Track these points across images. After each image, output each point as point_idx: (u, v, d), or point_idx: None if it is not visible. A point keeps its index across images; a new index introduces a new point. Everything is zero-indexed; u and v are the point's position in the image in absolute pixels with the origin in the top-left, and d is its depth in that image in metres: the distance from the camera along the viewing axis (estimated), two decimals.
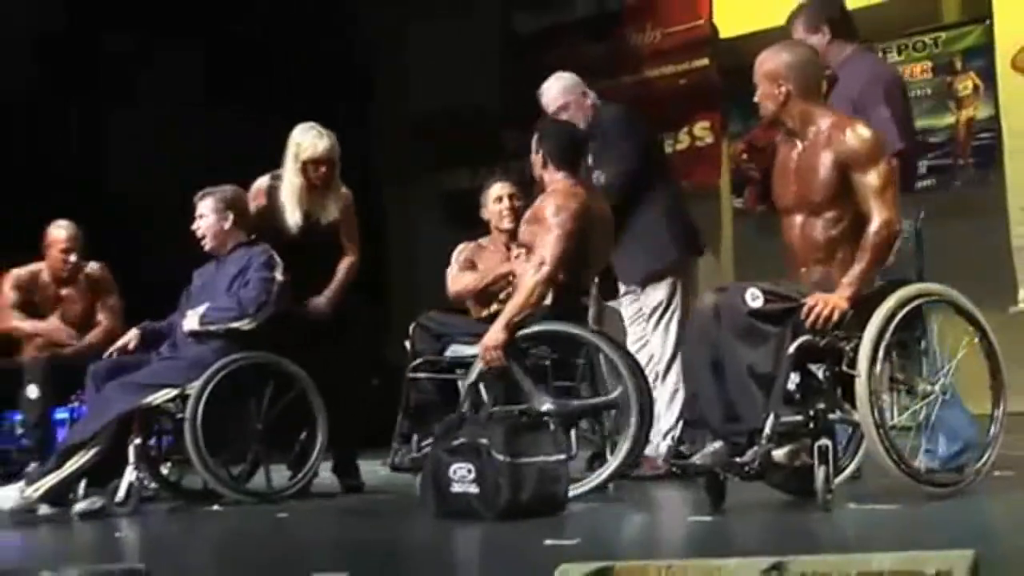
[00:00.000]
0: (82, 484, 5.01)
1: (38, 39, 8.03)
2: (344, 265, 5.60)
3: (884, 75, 4.61)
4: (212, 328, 5.18)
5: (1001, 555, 2.70)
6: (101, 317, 5.86)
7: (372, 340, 5.74)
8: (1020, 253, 6.93)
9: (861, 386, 3.73)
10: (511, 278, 4.95)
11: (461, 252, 5.42)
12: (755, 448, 3.74)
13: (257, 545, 4.28)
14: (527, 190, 5.22)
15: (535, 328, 4.60)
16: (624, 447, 4.46)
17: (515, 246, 4.92)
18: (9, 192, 7.52)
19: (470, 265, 5.33)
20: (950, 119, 7.45)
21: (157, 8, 8.34)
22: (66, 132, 8.01)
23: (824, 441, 3.73)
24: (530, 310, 4.56)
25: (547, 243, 4.57)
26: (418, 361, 4.73)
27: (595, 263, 4.87)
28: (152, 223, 7.22)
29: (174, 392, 5.07)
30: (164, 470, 5.39)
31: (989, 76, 7.20)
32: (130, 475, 5.01)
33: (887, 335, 3.78)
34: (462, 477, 4.08)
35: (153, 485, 5.33)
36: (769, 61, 4.02)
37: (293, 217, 5.46)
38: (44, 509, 5.05)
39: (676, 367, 5.11)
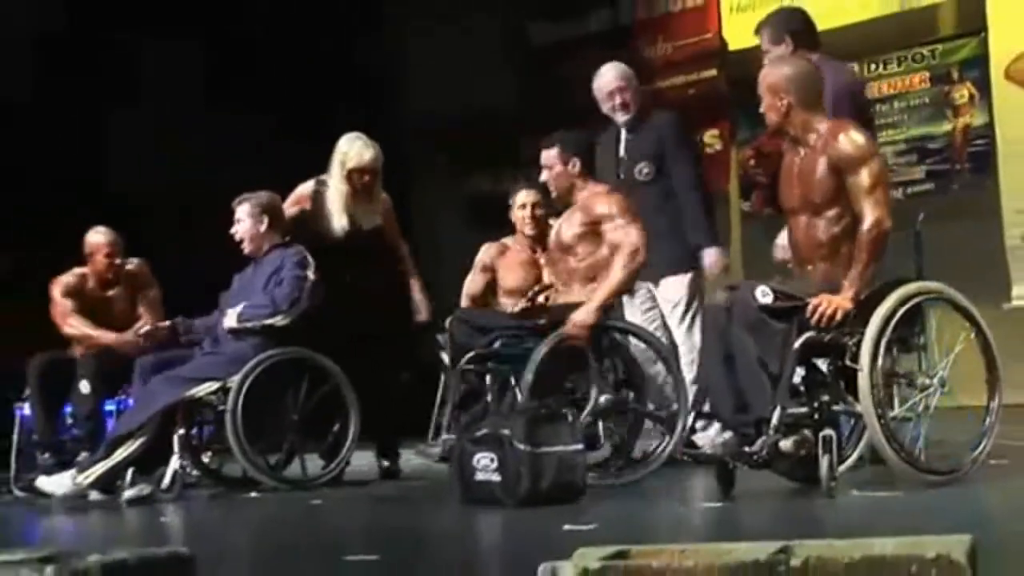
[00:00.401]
0: (129, 472, 5.04)
1: (38, 39, 7.70)
2: (407, 267, 5.65)
3: (843, 81, 4.65)
4: (249, 325, 5.20)
5: (997, 540, 2.69)
6: (143, 311, 5.88)
7: (407, 337, 5.71)
8: (1014, 253, 6.89)
9: (863, 379, 3.73)
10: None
11: (482, 254, 5.42)
12: (763, 438, 3.75)
13: (293, 530, 4.28)
14: (548, 198, 5.22)
15: (619, 323, 4.62)
16: (678, 427, 4.48)
17: (551, 249, 4.88)
18: (9, 192, 7.32)
19: (484, 268, 5.34)
20: (947, 127, 7.42)
21: (158, 8, 8.01)
22: (66, 132, 7.63)
23: (828, 431, 3.73)
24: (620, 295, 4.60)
25: (632, 233, 4.57)
26: (470, 355, 4.60)
27: None
28: (152, 223, 7.06)
29: (216, 385, 5.10)
30: (205, 459, 5.40)
31: (984, 86, 7.17)
32: (175, 464, 5.05)
33: (888, 331, 3.78)
34: (485, 466, 4.07)
35: (195, 473, 5.35)
36: (772, 75, 4.04)
37: (340, 222, 5.46)
38: (94, 495, 5.08)
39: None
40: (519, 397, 4.36)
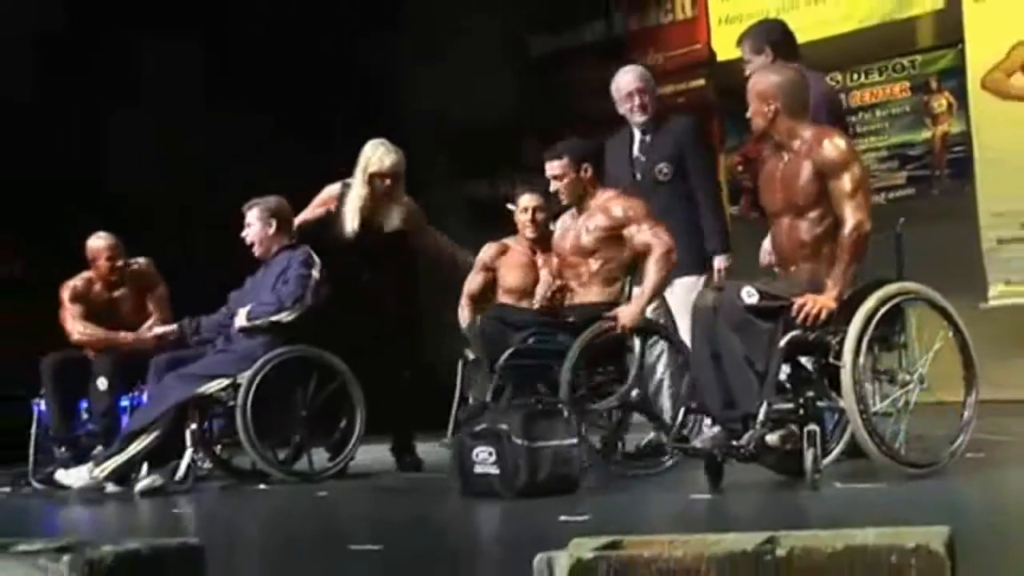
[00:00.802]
0: (145, 466, 5.04)
1: (38, 39, 7.42)
2: (443, 255, 5.64)
3: (820, 90, 4.66)
4: (258, 322, 5.20)
5: (974, 530, 2.69)
6: (152, 308, 5.88)
7: (412, 337, 5.69)
8: (989, 255, 6.89)
9: (846, 376, 3.73)
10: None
11: (483, 253, 5.41)
12: (750, 433, 3.75)
13: (300, 521, 4.28)
14: (550, 202, 5.20)
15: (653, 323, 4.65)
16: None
17: (565, 252, 4.84)
18: (9, 192, 7.23)
19: (484, 268, 5.33)
20: (927, 134, 7.41)
21: (158, 8, 7.79)
22: (65, 132, 7.45)
23: (812, 426, 3.73)
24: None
25: (662, 235, 4.54)
26: (510, 350, 4.49)
27: None
28: (152, 224, 6.96)
29: (226, 382, 5.10)
30: (216, 450, 5.40)
31: (961, 95, 7.17)
32: (188, 457, 5.05)
33: (870, 330, 3.78)
34: (484, 459, 4.07)
35: (207, 466, 5.36)
36: (761, 82, 4.05)
37: (352, 224, 5.45)
38: (110, 487, 5.08)
39: None
40: (562, 389, 4.33)
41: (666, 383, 4.90)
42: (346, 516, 4.42)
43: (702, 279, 5.17)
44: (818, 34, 7.00)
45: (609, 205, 4.66)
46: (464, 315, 5.25)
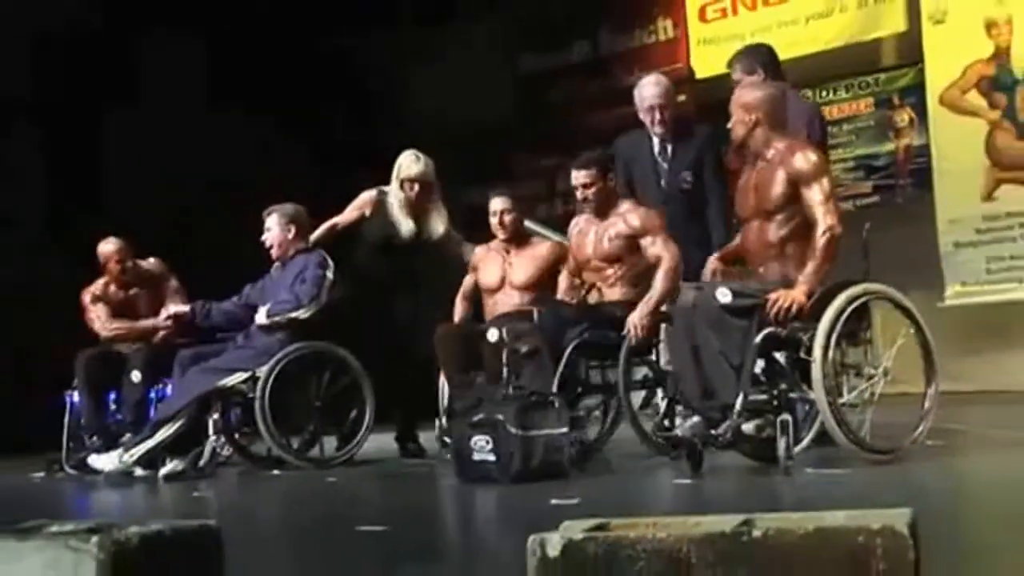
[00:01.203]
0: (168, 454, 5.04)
1: (38, 39, 7.23)
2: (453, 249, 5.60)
3: (804, 107, 4.67)
4: (276, 319, 5.21)
5: (935, 512, 2.68)
6: (168, 301, 5.87)
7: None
8: (947, 258, 6.90)
9: (816, 370, 3.73)
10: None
11: (473, 256, 5.39)
12: (728, 422, 3.75)
13: (312, 503, 4.27)
14: (521, 204, 5.20)
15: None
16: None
17: (588, 256, 4.75)
18: (9, 192, 7.08)
19: (473, 268, 5.31)
20: (891, 146, 7.43)
21: (159, 8, 7.51)
22: (65, 132, 7.29)
23: (785, 416, 3.72)
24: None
25: (672, 249, 4.52)
26: (573, 343, 4.41)
27: None
28: (152, 224, 6.73)
29: (246, 375, 5.12)
30: (236, 438, 5.40)
31: (921, 111, 7.19)
32: (211, 444, 5.07)
33: (838, 327, 3.78)
34: (481, 447, 4.06)
35: (226, 453, 5.36)
36: (745, 95, 4.07)
37: (407, 225, 5.47)
38: (138, 472, 5.09)
39: None
40: (620, 380, 4.37)
41: None
42: (354, 499, 4.40)
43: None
44: (790, 54, 6.96)
45: (630, 215, 4.64)
46: (458, 311, 5.27)
